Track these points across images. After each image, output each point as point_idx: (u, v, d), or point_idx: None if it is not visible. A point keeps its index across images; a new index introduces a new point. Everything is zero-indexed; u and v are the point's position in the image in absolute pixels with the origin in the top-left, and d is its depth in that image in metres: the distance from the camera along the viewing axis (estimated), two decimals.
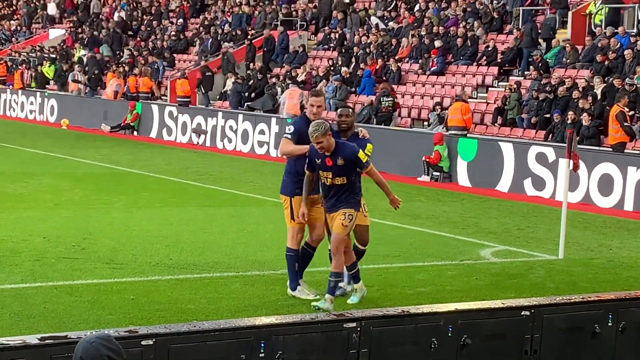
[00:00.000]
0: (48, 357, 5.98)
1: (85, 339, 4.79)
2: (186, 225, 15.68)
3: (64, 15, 51.12)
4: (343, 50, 33.57)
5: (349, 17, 35.97)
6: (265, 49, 35.75)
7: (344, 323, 6.96)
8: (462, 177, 23.24)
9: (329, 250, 10.80)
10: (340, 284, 10.96)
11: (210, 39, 38.17)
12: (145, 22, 44.45)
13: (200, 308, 10.42)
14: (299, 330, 6.90)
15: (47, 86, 41.57)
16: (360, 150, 10.21)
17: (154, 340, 6.34)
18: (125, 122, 33.74)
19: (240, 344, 6.60)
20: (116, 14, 46.04)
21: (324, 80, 31.51)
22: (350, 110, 11.32)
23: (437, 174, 23.61)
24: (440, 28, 31.93)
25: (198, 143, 30.69)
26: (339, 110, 11.25)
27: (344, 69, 31.66)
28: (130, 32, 44.25)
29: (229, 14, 40.76)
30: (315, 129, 9.98)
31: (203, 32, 39.58)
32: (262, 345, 6.64)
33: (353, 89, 30.82)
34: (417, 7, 34.57)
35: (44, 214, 15.89)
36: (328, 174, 10.19)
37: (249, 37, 37.40)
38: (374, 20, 35.37)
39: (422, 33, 32.00)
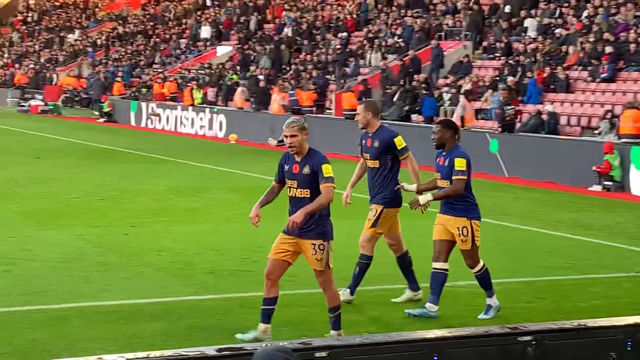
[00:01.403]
0: None
1: (265, 349, 4.85)
2: (352, 238, 15.73)
3: (230, 32, 52.21)
4: (508, 60, 33.20)
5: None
6: (430, 60, 35.70)
7: (518, 336, 6.86)
8: (636, 187, 22.60)
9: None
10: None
11: (372, 51, 38.36)
12: (310, 36, 44.90)
13: (370, 319, 10.45)
14: (472, 343, 6.84)
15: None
16: (326, 163, 9.19)
17: (327, 352, 6.39)
18: None
19: (413, 357, 6.59)
20: (285, 29, 46.67)
21: (490, 90, 31.20)
22: (440, 126, 10.86)
23: (610, 183, 23.03)
24: (610, 34, 31.18)
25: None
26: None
27: (510, 78, 31.28)
28: (294, 47, 44.80)
29: (394, 26, 40.81)
30: (294, 119, 9.29)
31: (367, 45, 39.77)
32: (435, 358, 6.60)
33: (520, 98, 30.39)
34: (585, 14, 33.85)
35: (216, 228, 16.22)
36: (293, 183, 9.30)
37: (412, 49, 37.37)
38: (531, 25, 34.91)
39: (591, 39, 31.33)
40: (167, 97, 45.11)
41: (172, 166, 26.33)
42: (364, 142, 11.24)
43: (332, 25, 44.96)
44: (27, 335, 9.49)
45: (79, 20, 76.09)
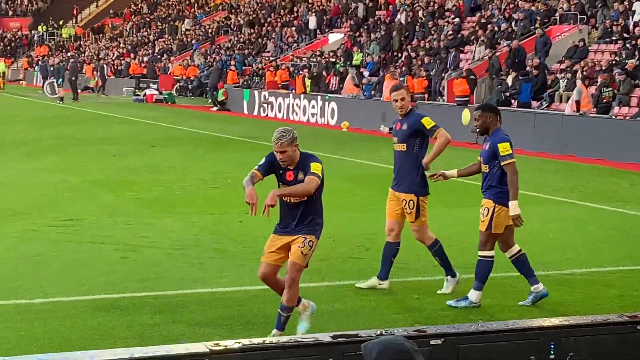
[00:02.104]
0: (341, 354, 6.13)
1: (387, 338, 4.88)
2: (468, 225, 15.63)
3: (341, 20, 52.28)
4: (626, 43, 32.53)
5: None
6: (542, 44, 35.19)
7: (638, 325, 6.74)
8: None
9: None
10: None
11: (483, 38, 38.02)
12: (422, 22, 44.68)
13: (483, 308, 10.38)
14: (590, 332, 6.74)
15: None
16: (315, 162, 8.91)
17: (442, 340, 6.38)
18: None
19: (530, 345, 6.53)
20: (398, 15, 46.52)
21: (605, 74, 30.62)
22: (481, 111, 10.63)
23: None
24: None
25: (477, 142, 30.55)
26: None
27: (630, 61, 30.60)
28: (406, 33, 44.61)
29: (507, 11, 40.33)
30: (282, 134, 8.81)
31: (479, 31, 39.39)
32: (552, 346, 6.54)
33: (636, 82, 29.76)
34: None
35: (328, 215, 16.17)
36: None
37: (526, 33, 36.91)
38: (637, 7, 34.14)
39: None
40: (279, 85, 45.42)
41: None
42: (394, 125, 11.21)
43: (445, 10, 44.67)
44: (145, 321, 9.70)
45: (192, 9, 77.07)
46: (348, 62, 43.88)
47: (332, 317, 9.93)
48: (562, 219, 16.53)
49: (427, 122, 10.89)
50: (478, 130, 10.65)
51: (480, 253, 10.58)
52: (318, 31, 53.31)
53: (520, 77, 33.06)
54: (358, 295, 10.95)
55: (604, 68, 31.34)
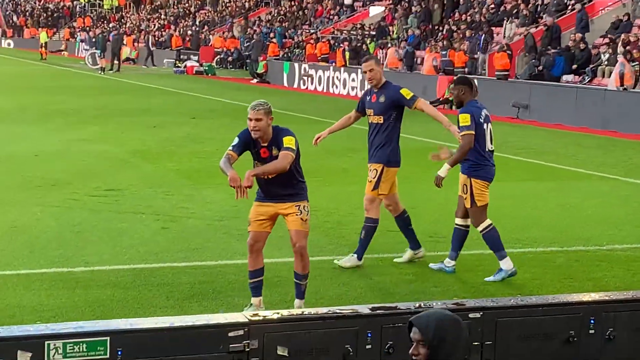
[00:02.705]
0: (379, 326, 6.16)
1: (439, 311, 4.90)
2: (507, 199, 15.59)
3: None
4: None
5: None
6: (579, 20, 34.88)
7: None
8: None
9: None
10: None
11: (526, 12, 37.71)
12: None
13: (524, 282, 10.36)
14: (630, 307, 6.71)
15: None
16: (288, 136, 8.75)
17: (481, 313, 6.38)
18: (444, 96, 33.95)
19: (569, 320, 6.51)
20: None
21: None
22: (454, 84, 10.76)
23: None
24: None
25: (518, 116, 30.40)
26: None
27: None
28: (447, 7, 44.34)
29: None
30: (259, 103, 8.74)
31: (522, 4, 39.09)
32: (592, 321, 6.52)
33: None
34: None
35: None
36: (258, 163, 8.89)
37: (569, 7, 36.58)
38: None
39: None
40: (319, 58, 45.36)
41: (324, 127, 26.39)
42: (368, 97, 10.98)
43: None
44: (184, 290, 9.77)
45: None
46: (388, 36, 43.73)
47: (371, 290, 9.95)
48: (603, 195, 16.43)
49: (406, 92, 10.80)
50: (455, 102, 10.74)
51: (479, 229, 10.57)
52: (359, 4, 53.13)
53: (553, 51, 32.89)
54: (396, 268, 10.96)
55: None
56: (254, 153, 8.86)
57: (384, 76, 11.06)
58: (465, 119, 10.26)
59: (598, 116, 27.63)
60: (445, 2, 44.49)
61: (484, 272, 10.76)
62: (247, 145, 8.81)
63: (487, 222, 10.61)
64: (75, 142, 21.56)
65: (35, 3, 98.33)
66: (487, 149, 10.52)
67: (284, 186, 8.83)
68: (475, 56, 37.31)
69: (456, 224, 10.85)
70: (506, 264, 10.45)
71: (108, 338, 5.69)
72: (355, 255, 10.96)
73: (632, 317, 6.58)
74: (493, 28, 39.17)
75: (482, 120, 10.41)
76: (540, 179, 18.16)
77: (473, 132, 10.26)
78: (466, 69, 36.29)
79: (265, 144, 8.75)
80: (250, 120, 8.64)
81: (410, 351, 4.88)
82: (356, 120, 11.34)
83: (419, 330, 4.82)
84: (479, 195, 10.47)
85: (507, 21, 38.02)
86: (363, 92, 11.13)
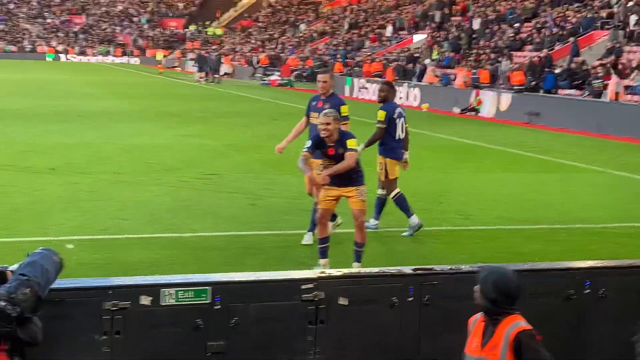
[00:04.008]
0: (419, 284, 6.13)
1: (497, 267, 4.91)
2: (522, 187, 15.44)
3: (424, 23, 51.68)
4: None
5: None
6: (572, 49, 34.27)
7: None
8: None
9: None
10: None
11: (538, 40, 37.19)
12: (489, 26, 43.90)
13: (532, 252, 10.25)
14: (619, 273, 6.60)
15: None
16: (354, 139, 8.85)
17: None
18: (472, 105, 33.65)
19: (570, 282, 6.42)
20: (474, 20, 45.71)
21: (637, 71, 29.70)
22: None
23: None
24: None
25: (530, 122, 30.04)
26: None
27: None
28: (475, 35, 43.90)
29: (558, 19, 39.33)
30: (330, 111, 8.87)
31: (535, 34, 38.55)
32: (588, 283, 6.42)
33: None
34: None
35: (411, 176, 16.13)
36: (331, 162, 8.85)
37: (574, 36, 35.99)
38: None
39: None
40: (373, 74, 45.14)
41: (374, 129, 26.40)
42: (314, 103, 10.43)
43: (509, 17, 43.79)
44: (268, 253, 9.82)
45: (307, 14, 77.05)
46: (429, 57, 43.40)
47: (412, 256, 9.90)
48: (597, 184, 16.19)
49: (344, 109, 10.21)
50: (379, 100, 11.14)
51: (391, 195, 10.99)
52: (405, 32, 52.79)
53: (546, 70, 32.62)
54: (432, 238, 10.91)
55: (634, 66, 30.41)
56: (323, 151, 8.88)
57: (332, 88, 10.58)
58: (381, 114, 10.81)
59: (594, 122, 27.20)
60: (472, 32, 44.04)
61: (505, 243, 10.68)
62: (318, 145, 8.85)
63: (397, 190, 11.06)
64: (183, 137, 21.74)
65: (156, 30, 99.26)
66: (397, 137, 11.03)
67: (347, 175, 8.85)
68: (497, 73, 36.90)
69: (377, 194, 11.23)
70: (413, 221, 10.84)
71: (210, 287, 5.73)
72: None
73: (620, 280, 6.48)
74: (512, 52, 38.70)
75: (395, 116, 10.90)
76: (547, 171, 17.94)
77: (384, 126, 10.80)
78: (489, 84, 35.94)
79: (332, 144, 8.75)
80: (322, 124, 8.68)
81: (475, 302, 4.85)
82: (307, 124, 10.74)
83: (480, 284, 4.81)
84: (391, 170, 11.02)
85: (504, 58, 37.41)
86: (310, 98, 10.57)
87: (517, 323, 4.79)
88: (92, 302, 5.48)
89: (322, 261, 9.04)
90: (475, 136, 24.91)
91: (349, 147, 8.71)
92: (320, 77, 10.43)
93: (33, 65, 71.69)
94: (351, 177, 8.87)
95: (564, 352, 6.35)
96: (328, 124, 8.67)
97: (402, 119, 10.97)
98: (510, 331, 4.74)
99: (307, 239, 10.29)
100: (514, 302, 4.82)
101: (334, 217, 10.80)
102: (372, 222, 11.09)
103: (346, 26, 62.49)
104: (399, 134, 10.96)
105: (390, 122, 10.76)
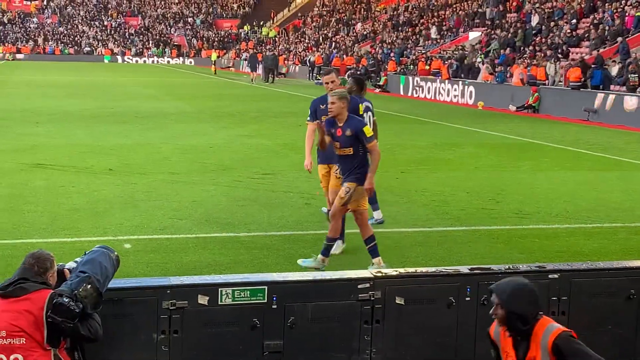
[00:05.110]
0: (476, 283, 6.09)
1: (516, 280, 4.86)
2: (580, 185, 15.21)
3: (480, 20, 51.22)
4: None
5: None
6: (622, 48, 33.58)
7: None
8: None
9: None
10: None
11: (597, 36, 36.58)
12: (545, 22, 43.33)
13: (592, 251, 10.10)
14: None
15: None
16: (367, 125, 8.77)
17: (559, 274, 6.25)
18: (528, 103, 33.26)
19: (630, 281, 6.32)
20: (532, 17, 45.13)
21: None
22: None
23: None
24: None
25: (588, 119, 29.57)
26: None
27: None
28: (533, 31, 43.36)
29: (616, 14, 38.67)
30: (337, 90, 8.96)
31: (592, 30, 37.94)
32: None
33: None
34: None
35: (466, 175, 16.10)
36: (337, 144, 8.77)
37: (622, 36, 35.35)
38: None
39: None
40: (431, 73, 44.91)
41: (432, 126, 26.30)
42: (322, 106, 9.96)
43: (564, 13, 43.16)
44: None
45: (361, 13, 76.94)
46: (483, 55, 43.01)
47: (469, 255, 9.83)
48: None
49: (367, 131, 9.83)
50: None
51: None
52: (460, 29, 52.40)
53: (592, 66, 32.14)
54: (490, 238, 10.80)
55: None
56: (330, 132, 8.78)
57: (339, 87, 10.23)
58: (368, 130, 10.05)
59: None
60: (527, 27, 43.50)
61: (563, 242, 10.53)
62: (330, 124, 8.76)
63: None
64: (238, 137, 21.87)
65: (211, 31, 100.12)
66: None
67: (348, 167, 8.72)
68: (553, 70, 36.39)
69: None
70: (377, 215, 11.16)
71: (266, 287, 5.76)
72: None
73: None
74: (570, 48, 38.14)
75: (362, 112, 10.27)
76: (606, 169, 17.64)
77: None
78: (547, 81, 35.48)
79: (341, 125, 8.68)
80: (329, 103, 8.76)
81: (490, 312, 4.83)
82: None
83: (497, 295, 4.77)
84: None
85: (549, 61, 36.85)
86: (316, 101, 10.20)
87: (549, 328, 4.71)
88: (151, 301, 5.55)
89: (375, 260, 8.92)
90: (532, 134, 24.61)
91: (367, 136, 8.55)
92: (325, 78, 10.21)
93: (91, 67, 72.86)
94: (351, 171, 8.68)
95: (625, 352, 6.25)
96: (333, 103, 8.65)
97: (370, 113, 10.57)
98: (545, 340, 4.66)
99: (336, 248, 9.73)
100: (539, 306, 4.77)
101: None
102: (375, 215, 11.17)
103: (400, 24, 62.25)
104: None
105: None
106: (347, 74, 54.58)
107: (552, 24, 42.48)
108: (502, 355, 4.91)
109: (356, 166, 8.71)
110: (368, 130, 8.65)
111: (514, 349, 4.79)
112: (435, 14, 59.13)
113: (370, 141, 8.57)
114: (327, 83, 10.02)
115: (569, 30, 39.90)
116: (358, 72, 54.95)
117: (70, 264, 5.27)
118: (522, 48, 41.97)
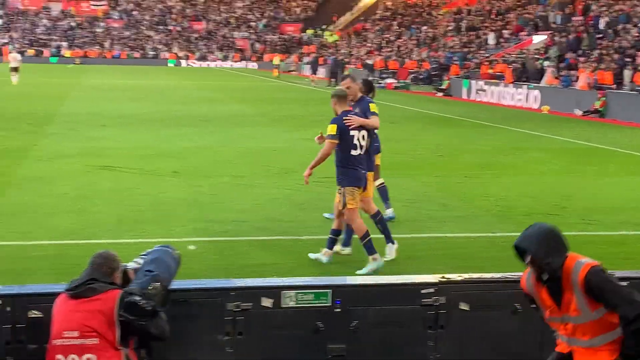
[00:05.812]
0: None
1: (538, 228, 4.99)
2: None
3: (545, 24, 50.60)
4: None
5: None
6: None
7: None
8: None
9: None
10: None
11: None
12: (613, 26, 42.59)
13: None
14: None
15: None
16: (332, 124, 9.20)
17: (628, 282, 6.10)
18: (594, 107, 32.70)
19: None
20: (600, 20, 44.35)
21: None
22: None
23: None
24: None
25: None
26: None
27: None
28: (599, 35, 42.64)
29: None
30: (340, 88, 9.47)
31: None
32: None
33: None
34: None
35: (531, 179, 15.88)
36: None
37: None
38: None
39: None
40: (495, 76, 44.48)
41: (495, 130, 26.03)
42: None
43: (631, 17, 42.37)
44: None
45: (423, 16, 76.57)
46: (549, 59, 42.45)
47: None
48: None
49: (373, 107, 10.11)
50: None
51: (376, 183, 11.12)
52: (524, 33, 51.81)
53: None
54: None
55: None
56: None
57: (360, 91, 10.30)
58: (332, 128, 9.76)
59: None
60: (595, 32, 42.79)
61: (631, 249, 10.32)
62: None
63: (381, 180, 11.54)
64: (300, 141, 21.91)
65: (274, 35, 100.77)
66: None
67: (336, 169, 9.42)
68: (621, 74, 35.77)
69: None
70: (390, 212, 11.52)
71: (330, 290, 5.76)
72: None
73: None
74: (638, 52, 37.42)
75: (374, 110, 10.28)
76: None
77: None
78: (614, 85, 34.86)
79: (352, 104, 9.55)
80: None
81: (526, 262, 4.84)
82: None
83: (527, 250, 4.80)
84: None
85: (626, 68, 36.15)
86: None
87: (577, 265, 4.74)
88: (215, 303, 5.60)
89: (370, 257, 9.06)
90: (598, 139, 24.20)
91: (327, 132, 9.10)
92: (342, 84, 10.25)
93: (156, 71, 73.92)
94: (336, 174, 9.31)
95: None
96: (348, 87, 9.40)
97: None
98: (576, 278, 4.67)
99: (389, 251, 9.79)
100: (566, 246, 4.79)
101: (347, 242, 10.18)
102: (388, 212, 11.41)
103: (463, 28, 61.82)
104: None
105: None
106: (410, 77, 54.44)
107: (620, 27, 41.73)
108: (540, 305, 4.93)
109: (337, 166, 9.31)
110: (329, 128, 9.09)
111: (550, 296, 4.82)
112: (499, 17, 58.55)
113: (328, 137, 9.13)
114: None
115: (636, 34, 39.13)
116: (420, 77, 54.81)
117: (131, 264, 5.35)
118: (587, 52, 41.30)
